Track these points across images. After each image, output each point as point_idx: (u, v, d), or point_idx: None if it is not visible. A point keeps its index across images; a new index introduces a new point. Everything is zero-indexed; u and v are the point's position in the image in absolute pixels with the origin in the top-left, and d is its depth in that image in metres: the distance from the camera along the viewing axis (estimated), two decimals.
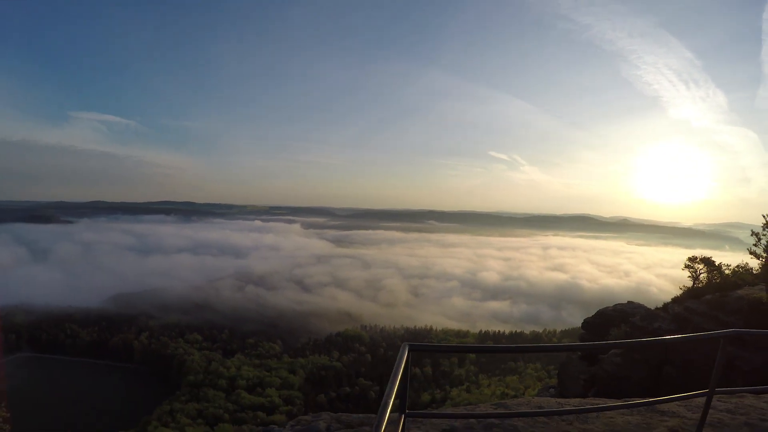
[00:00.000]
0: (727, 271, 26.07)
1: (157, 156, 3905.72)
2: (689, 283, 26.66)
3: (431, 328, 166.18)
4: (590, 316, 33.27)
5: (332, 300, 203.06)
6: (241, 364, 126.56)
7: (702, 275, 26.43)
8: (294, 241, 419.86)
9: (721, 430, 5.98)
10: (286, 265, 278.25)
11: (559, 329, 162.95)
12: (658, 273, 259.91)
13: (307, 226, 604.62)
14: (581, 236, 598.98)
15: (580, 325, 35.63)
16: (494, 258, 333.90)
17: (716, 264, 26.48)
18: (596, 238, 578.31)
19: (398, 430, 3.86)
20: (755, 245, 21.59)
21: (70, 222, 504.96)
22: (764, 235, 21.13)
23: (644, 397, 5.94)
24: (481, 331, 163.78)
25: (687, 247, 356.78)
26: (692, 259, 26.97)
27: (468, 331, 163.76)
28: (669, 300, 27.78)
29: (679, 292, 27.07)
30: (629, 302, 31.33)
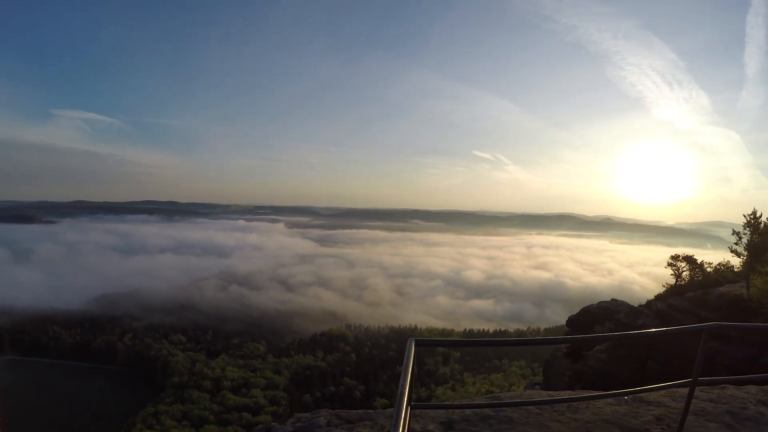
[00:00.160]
0: (708, 269, 26.70)
1: (140, 155, 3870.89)
2: (672, 281, 27.26)
3: (416, 327, 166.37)
4: (574, 313, 33.87)
5: (316, 300, 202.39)
6: (226, 365, 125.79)
7: (684, 273, 27.03)
8: (278, 241, 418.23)
9: (705, 418, 6.30)
10: (270, 264, 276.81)
11: (543, 327, 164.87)
12: (640, 271, 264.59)
13: (291, 225, 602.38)
14: (564, 235, 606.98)
15: (564, 322, 36.14)
16: (478, 257, 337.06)
17: (698, 262, 27.12)
18: (579, 236, 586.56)
19: (405, 421, 4.07)
20: (736, 244, 22.25)
21: (53, 222, 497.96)
22: (745, 233, 21.79)
23: None
24: (465, 329, 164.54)
25: (669, 245, 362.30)
26: (675, 258, 27.58)
27: (452, 330, 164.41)
28: (652, 298, 28.42)
29: (661, 290, 27.66)
30: (613, 300, 31.97)
